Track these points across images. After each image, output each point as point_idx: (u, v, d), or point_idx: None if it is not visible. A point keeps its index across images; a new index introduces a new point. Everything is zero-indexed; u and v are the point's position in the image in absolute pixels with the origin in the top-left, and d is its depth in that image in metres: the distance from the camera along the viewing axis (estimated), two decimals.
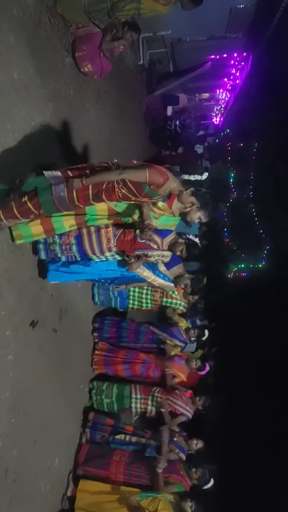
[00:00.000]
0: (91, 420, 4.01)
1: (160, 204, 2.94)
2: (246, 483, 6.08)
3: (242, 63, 9.68)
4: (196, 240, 5.30)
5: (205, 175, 2.47)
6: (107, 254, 3.12)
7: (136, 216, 2.97)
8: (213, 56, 9.17)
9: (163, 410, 3.86)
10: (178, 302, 4.34)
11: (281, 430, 6.38)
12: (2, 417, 2.66)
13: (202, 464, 3.65)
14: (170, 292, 4.20)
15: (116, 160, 2.71)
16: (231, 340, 7.20)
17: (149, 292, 4.33)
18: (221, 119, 11.73)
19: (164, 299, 4.32)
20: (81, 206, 2.71)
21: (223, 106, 11.41)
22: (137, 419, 4.34)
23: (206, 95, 11.78)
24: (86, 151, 4.53)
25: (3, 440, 2.64)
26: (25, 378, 2.95)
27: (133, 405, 4.05)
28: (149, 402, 4.02)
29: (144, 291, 4.33)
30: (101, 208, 2.91)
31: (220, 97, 11.19)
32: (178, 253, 3.34)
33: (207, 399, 4.06)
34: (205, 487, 3.60)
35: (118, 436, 3.91)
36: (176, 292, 4.15)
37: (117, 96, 5.95)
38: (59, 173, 2.60)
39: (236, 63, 9.75)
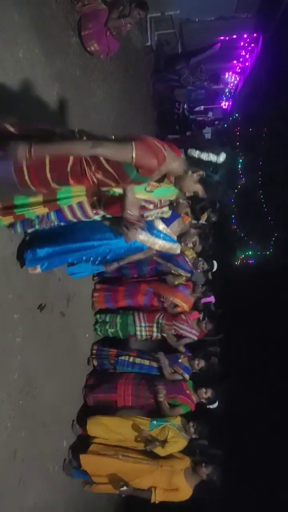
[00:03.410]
0: (94, 352, 4.06)
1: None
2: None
3: (252, 45, 9.43)
4: None
5: (222, 157, 1.95)
6: (94, 217, 2.46)
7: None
8: (222, 37, 8.94)
9: (164, 334, 3.92)
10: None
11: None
12: (11, 399, 2.67)
13: (212, 385, 3.77)
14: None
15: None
16: (238, 327, 7.19)
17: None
18: (230, 103, 11.49)
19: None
20: (42, 191, 2.02)
21: (232, 89, 11.16)
22: (143, 342, 4.34)
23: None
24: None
25: (12, 421, 2.66)
26: (33, 361, 2.95)
27: (138, 333, 4.05)
28: (154, 329, 4.02)
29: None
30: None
31: (229, 80, 10.94)
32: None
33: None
34: (210, 406, 3.73)
35: (122, 357, 3.95)
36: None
37: (124, 77, 5.83)
38: None
39: (246, 45, 9.51)
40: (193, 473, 3.27)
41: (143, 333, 4.06)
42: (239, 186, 9.99)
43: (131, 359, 3.95)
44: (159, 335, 4.05)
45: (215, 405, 3.75)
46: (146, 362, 3.95)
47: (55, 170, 1.89)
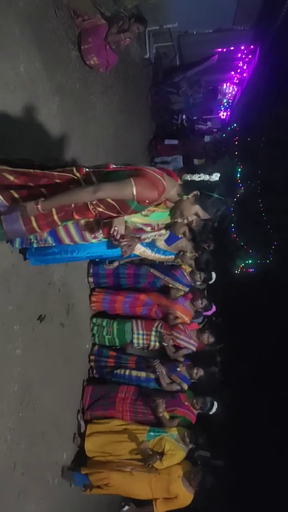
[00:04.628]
0: (94, 355, 4.01)
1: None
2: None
3: (250, 56, 9.56)
4: None
5: (216, 175, 1.92)
6: (92, 241, 2.42)
7: None
8: (220, 49, 9.07)
9: (165, 344, 3.87)
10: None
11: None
12: (10, 411, 2.67)
13: (203, 392, 3.77)
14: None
15: (87, 169, 2.00)
16: (238, 335, 7.17)
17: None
18: (228, 113, 11.61)
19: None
20: (47, 230, 2.15)
21: (230, 100, 11.30)
22: (140, 350, 4.30)
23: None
24: (93, 146, 4.50)
25: (12, 434, 2.65)
26: (33, 372, 2.95)
27: (135, 341, 4.01)
28: (152, 338, 3.98)
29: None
30: None
31: (227, 91, 11.08)
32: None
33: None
34: (211, 412, 3.70)
35: (118, 371, 3.91)
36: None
37: (123, 90, 5.91)
38: (2, 200, 1.98)
39: (243, 56, 9.64)
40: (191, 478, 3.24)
41: (140, 341, 4.02)
42: (238, 195, 10.03)
43: (127, 372, 3.92)
44: (157, 344, 4.01)
45: (214, 409, 3.72)
46: (143, 374, 3.90)
47: (61, 211, 2.01)
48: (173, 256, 3.29)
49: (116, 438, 3.48)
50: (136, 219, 2.22)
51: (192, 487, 3.22)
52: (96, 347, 4.10)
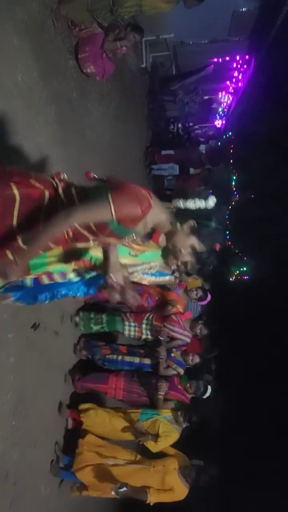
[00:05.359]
0: (82, 345, 3.87)
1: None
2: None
3: (245, 66, 9.69)
4: None
5: (212, 200, 1.68)
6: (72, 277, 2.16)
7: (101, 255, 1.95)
8: (215, 59, 9.19)
9: (161, 338, 3.71)
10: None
11: None
12: (3, 420, 2.65)
13: (198, 377, 3.79)
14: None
15: (62, 181, 1.73)
16: (233, 344, 7.18)
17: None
18: (223, 122, 11.73)
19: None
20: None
21: (225, 109, 11.42)
22: (131, 339, 4.17)
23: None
24: (89, 153, 4.53)
25: (4, 443, 2.63)
26: (26, 381, 2.93)
27: (126, 332, 3.90)
28: (143, 331, 3.88)
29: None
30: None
31: (222, 100, 11.21)
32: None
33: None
34: (204, 397, 3.71)
35: (110, 356, 3.80)
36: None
37: (120, 98, 5.96)
38: None
39: (239, 66, 9.76)
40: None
41: (132, 333, 3.92)
42: (233, 203, 10.11)
43: (120, 357, 3.82)
44: (149, 336, 3.86)
45: (208, 393, 3.72)
46: (137, 360, 3.82)
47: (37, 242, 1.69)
48: (167, 277, 3.06)
49: (111, 415, 3.50)
50: (124, 260, 2.00)
51: (188, 483, 3.20)
52: (82, 340, 3.92)
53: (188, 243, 1.73)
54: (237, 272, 10.27)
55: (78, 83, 4.37)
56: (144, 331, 3.87)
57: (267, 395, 7.16)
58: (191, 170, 7.91)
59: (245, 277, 10.19)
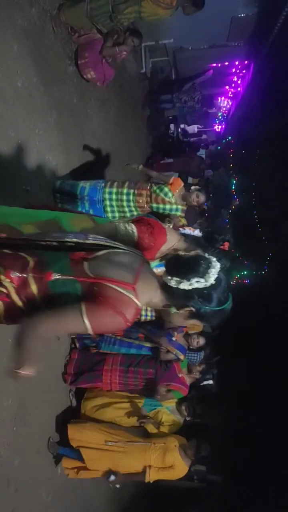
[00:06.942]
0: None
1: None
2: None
3: (244, 71, 9.77)
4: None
5: (213, 275, 1.29)
6: None
7: None
8: (214, 64, 9.26)
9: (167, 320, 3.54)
10: (174, 206, 3.51)
11: None
12: (4, 425, 2.63)
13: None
14: (162, 195, 3.43)
15: (17, 273, 1.32)
16: (235, 348, 7.15)
17: (130, 196, 3.42)
18: (223, 126, 11.80)
19: (154, 205, 3.47)
20: None
21: (225, 113, 11.49)
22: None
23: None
24: (89, 159, 4.55)
25: (6, 449, 2.61)
26: (27, 386, 2.92)
27: None
28: (143, 312, 3.54)
29: (125, 197, 3.40)
30: None
31: (222, 104, 11.28)
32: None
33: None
34: (205, 383, 3.68)
35: (106, 336, 3.61)
36: (169, 195, 3.45)
37: (120, 104, 5.99)
38: None
39: (238, 71, 9.84)
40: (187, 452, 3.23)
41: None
42: (233, 207, 10.13)
43: (118, 337, 3.66)
44: (148, 317, 3.55)
45: (210, 381, 3.69)
46: (136, 341, 3.66)
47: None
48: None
49: (114, 400, 3.50)
50: None
51: (189, 458, 3.19)
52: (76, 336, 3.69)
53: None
54: (238, 276, 10.26)
55: (78, 88, 4.40)
56: (143, 312, 3.47)
57: (268, 398, 7.13)
58: (190, 179, 7.96)
59: (246, 281, 10.19)
